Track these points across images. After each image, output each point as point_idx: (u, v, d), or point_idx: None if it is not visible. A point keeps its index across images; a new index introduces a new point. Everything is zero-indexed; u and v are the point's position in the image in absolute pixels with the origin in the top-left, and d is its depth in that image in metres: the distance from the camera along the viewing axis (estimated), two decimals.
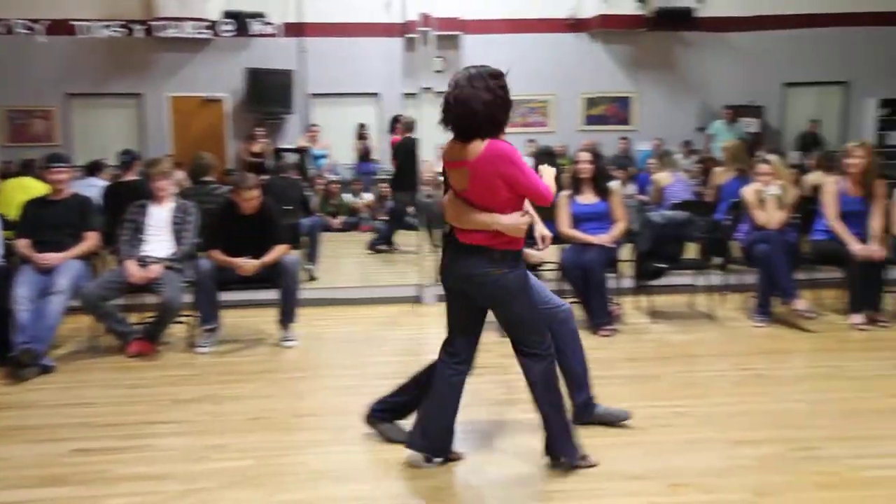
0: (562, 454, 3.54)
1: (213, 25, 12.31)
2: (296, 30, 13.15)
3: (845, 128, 13.98)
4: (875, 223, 5.92)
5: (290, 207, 7.42)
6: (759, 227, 6.09)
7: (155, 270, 5.44)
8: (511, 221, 3.38)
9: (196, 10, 12.52)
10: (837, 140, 13.14)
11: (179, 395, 4.64)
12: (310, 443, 3.91)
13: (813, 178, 8.22)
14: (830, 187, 6.08)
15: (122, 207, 5.89)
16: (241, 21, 12.12)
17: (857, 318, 5.84)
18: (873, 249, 5.79)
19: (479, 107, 3.30)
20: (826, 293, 6.51)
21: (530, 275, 3.67)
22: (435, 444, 3.62)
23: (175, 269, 5.56)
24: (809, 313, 5.76)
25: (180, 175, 9.63)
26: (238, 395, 4.65)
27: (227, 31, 12.02)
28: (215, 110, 13.50)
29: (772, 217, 6.04)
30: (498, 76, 3.46)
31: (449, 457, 3.66)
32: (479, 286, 3.47)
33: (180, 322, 5.74)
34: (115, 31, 11.67)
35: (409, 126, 9.44)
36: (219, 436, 4.01)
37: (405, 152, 8.99)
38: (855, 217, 5.98)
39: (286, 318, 5.70)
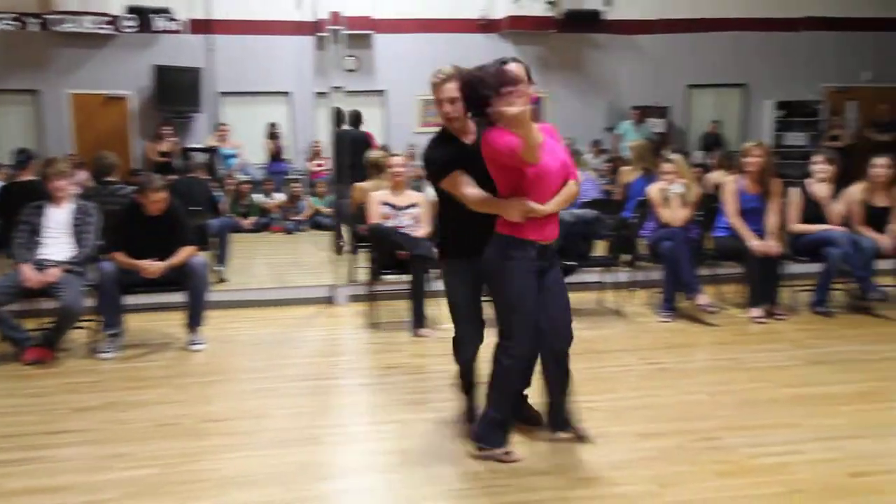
0: (480, 438, 3.63)
1: (114, 21, 11.94)
2: (203, 27, 12.87)
3: (745, 128, 14.49)
4: (771, 220, 6.16)
5: (199, 208, 7.27)
6: (663, 225, 6.26)
7: (53, 274, 5.25)
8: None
9: (96, 5, 12.12)
10: (738, 140, 13.60)
11: (80, 403, 4.49)
12: (219, 448, 3.84)
13: (714, 176, 8.51)
14: (730, 186, 6.29)
15: (18, 209, 5.66)
16: (144, 17, 11.80)
17: (756, 312, 6.06)
18: (770, 245, 6.02)
19: None
20: (727, 288, 6.73)
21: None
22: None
23: (75, 272, 5.38)
24: (712, 308, 5.95)
25: (83, 175, 9.33)
26: (143, 401, 4.52)
27: (129, 26, 11.67)
28: (119, 108, 13.09)
29: (676, 215, 6.22)
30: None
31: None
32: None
33: (81, 327, 5.55)
34: (7, 24, 11.19)
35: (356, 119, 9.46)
36: (122, 444, 3.89)
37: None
38: (753, 214, 6.20)
39: (194, 322, 5.58)
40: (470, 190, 3.52)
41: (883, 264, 6.42)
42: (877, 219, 6.29)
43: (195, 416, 4.28)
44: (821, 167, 6.31)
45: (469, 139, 3.69)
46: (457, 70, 3.65)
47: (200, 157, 11.77)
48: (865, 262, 6.07)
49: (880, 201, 6.32)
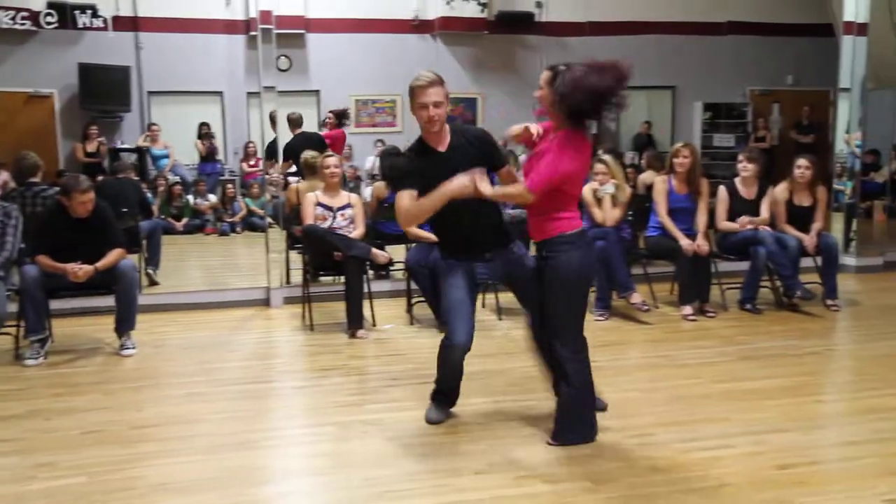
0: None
1: (35, 16, 11.57)
2: (129, 24, 12.57)
3: (675, 129, 14.79)
4: (700, 220, 6.30)
5: (128, 210, 7.10)
6: (596, 225, 6.34)
7: None
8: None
9: (15, 0, 11.72)
10: (669, 141, 13.87)
11: (4, 412, 4.33)
12: (149, 455, 3.75)
13: (645, 177, 8.66)
14: (660, 186, 6.41)
15: None
16: (66, 13, 11.46)
17: (687, 310, 6.19)
18: (700, 244, 6.15)
19: None
20: (659, 286, 6.85)
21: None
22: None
23: None
24: (644, 306, 6.06)
25: (4, 176, 9.02)
26: (70, 408, 4.39)
27: (51, 22, 11.33)
28: (44, 107, 12.68)
29: (608, 215, 6.30)
30: None
31: None
32: None
33: (5, 333, 5.37)
34: None
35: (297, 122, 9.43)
36: (49, 453, 3.77)
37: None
38: (683, 214, 6.33)
39: (124, 326, 5.44)
40: (403, 203, 3.72)
41: (807, 262, 6.60)
42: (800, 218, 6.48)
43: (124, 423, 4.17)
44: (744, 165, 6.47)
45: (443, 146, 3.81)
46: (437, 76, 3.78)
47: (130, 158, 11.55)
48: (790, 260, 6.25)
49: (803, 201, 6.51)
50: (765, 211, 6.42)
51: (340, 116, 10.44)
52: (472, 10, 13.66)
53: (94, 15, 11.71)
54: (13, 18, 11.49)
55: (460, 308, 3.81)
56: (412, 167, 3.84)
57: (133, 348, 5.44)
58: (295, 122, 9.40)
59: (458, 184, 3.53)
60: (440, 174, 3.62)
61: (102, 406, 4.45)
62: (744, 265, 6.49)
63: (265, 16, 7.28)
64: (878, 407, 4.25)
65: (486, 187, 3.56)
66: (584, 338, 3.79)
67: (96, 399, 4.57)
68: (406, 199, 3.69)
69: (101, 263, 5.27)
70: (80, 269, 5.19)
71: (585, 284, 3.81)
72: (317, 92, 13.48)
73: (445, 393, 4.11)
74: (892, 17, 8.98)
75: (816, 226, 6.44)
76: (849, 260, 7.94)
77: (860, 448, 3.74)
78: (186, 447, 3.84)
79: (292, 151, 8.41)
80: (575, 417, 3.77)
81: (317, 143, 8.69)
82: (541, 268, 3.73)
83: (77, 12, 11.57)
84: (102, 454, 3.76)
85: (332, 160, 6.27)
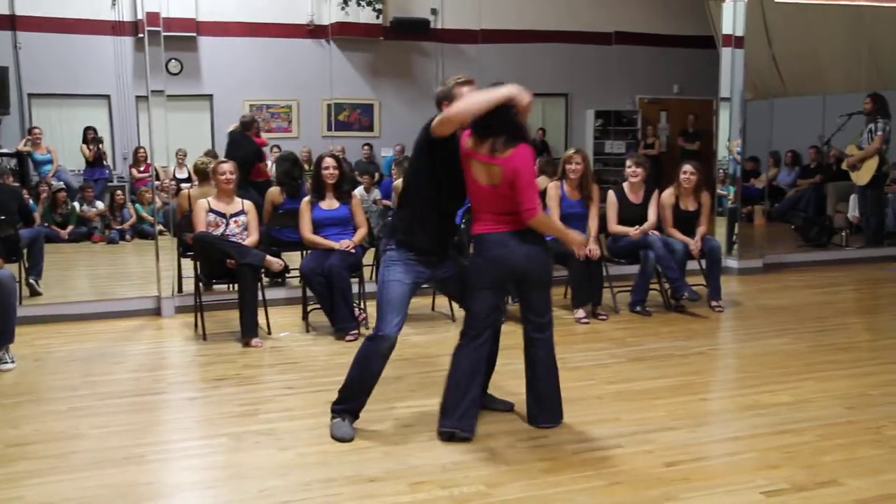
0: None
1: None
2: (6, 23, 12.00)
3: (568, 136, 15.12)
4: (591, 224, 6.45)
5: (6, 217, 6.77)
6: None
7: None
8: None
9: None
10: (563, 147, 14.18)
11: None
12: (26, 474, 3.57)
13: (538, 181, 8.80)
14: (553, 192, 6.53)
15: None
16: None
17: (580, 313, 6.33)
18: (591, 249, 6.30)
19: None
20: (553, 290, 6.94)
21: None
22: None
23: None
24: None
25: None
26: None
27: None
28: None
29: None
30: None
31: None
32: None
33: None
34: None
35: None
36: None
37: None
38: (575, 219, 6.46)
39: (2, 339, 5.16)
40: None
41: (692, 265, 6.85)
42: (686, 222, 6.72)
43: (0, 441, 3.97)
44: (633, 171, 6.67)
45: None
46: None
47: (10, 163, 11.02)
48: (677, 263, 6.47)
49: (689, 205, 6.75)
50: (652, 215, 6.64)
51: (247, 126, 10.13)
52: (367, 16, 13.63)
53: None
54: None
55: (399, 303, 3.88)
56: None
57: (11, 362, 5.18)
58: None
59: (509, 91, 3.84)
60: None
61: None
62: (634, 268, 6.69)
63: (152, 17, 7.06)
64: (757, 403, 4.45)
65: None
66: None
67: None
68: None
69: None
70: None
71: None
72: (210, 96, 13.19)
73: (350, 402, 3.99)
74: (767, 31, 9.43)
75: (701, 230, 6.70)
76: (731, 262, 8.29)
77: (741, 443, 3.90)
78: (68, 464, 3.68)
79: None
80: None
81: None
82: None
83: None
84: None
85: (227, 166, 6.13)
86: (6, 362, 5.17)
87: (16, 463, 3.69)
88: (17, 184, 9.72)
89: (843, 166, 9.61)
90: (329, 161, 6.18)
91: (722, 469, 3.62)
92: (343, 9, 13.45)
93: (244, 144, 9.43)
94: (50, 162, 11.65)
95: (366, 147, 13.55)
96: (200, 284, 6.12)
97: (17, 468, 3.63)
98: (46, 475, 3.56)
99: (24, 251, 7.09)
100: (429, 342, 5.79)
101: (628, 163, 6.78)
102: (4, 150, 11.64)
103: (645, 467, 3.60)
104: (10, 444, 3.94)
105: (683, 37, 14.45)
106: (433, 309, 6.71)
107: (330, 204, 6.18)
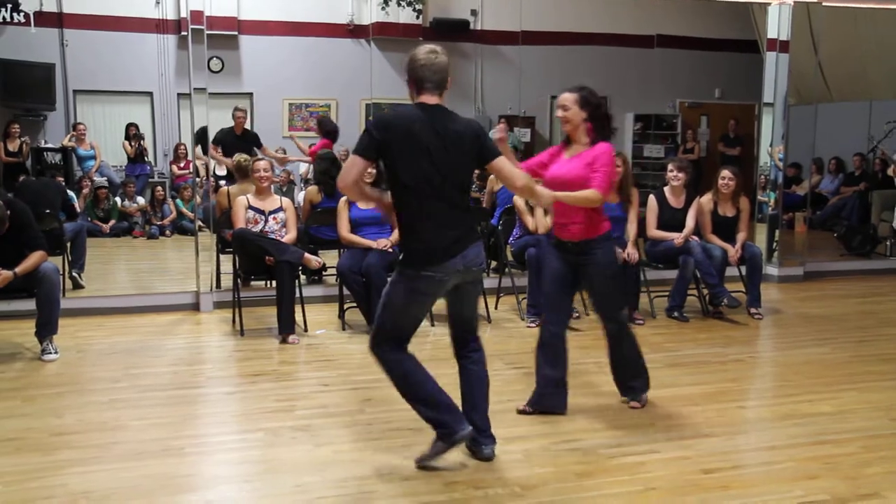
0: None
1: None
2: (53, 20, 12.22)
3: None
4: (630, 229, 6.41)
5: (50, 211, 6.90)
6: (529, 232, 6.41)
7: None
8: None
9: None
10: None
11: None
12: (69, 462, 3.64)
13: None
14: None
15: None
16: None
17: None
18: (629, 253, 6.26)
19: None
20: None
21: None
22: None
23: None
24: (574, 313, 6.13)
25: None
26: None
27: None
28: None
29: (540, 223, 6.37)
30: None
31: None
32: None
33: None
34: None
35: None
36: None
37: None
38: (614, 222, 6.39)
39: (46, 330, 5.28)
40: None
41: (732, 271, 6.78)
42: (724, 228, 6.65)
43: (43, 430, 4.05)
44: (674, 175, 6.61)
45: None
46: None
47: (55, 158, 11.23)
48: (716, 269, 6.40)
49: (727, 211, 6.68)
50: (690, 220, 6.57)
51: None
52: (407, 17, 13.68)
53: (15, 9, 11.34)
54: None
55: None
56: None
57: (55, 353, 5.29)
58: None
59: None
60: None
61: (21, 413, 4.31)
62: (671, 273, 6.64)
63: (196, 16, 7.15)
64: (795, 413, 4.39)
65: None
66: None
67: (15, 406, 4.43)
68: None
69: (20, 267, 5.11)
70: None
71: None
72: (250, 94, 13.31)
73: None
74: (813, 35, 9.29)
75: (741, 236, 6.62)
76: (771, 270, 8.19)
77: (779, 453, 3.85)
78: (110, 454, 3.74)
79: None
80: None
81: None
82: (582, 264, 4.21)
83: None
84: (21, 462, 3.64)
85: (263, 164, 6.20)
86: (50, 353, 5.27)
87: (59, 451, 3.77)
88: (61, 179, 9.87)
89: (889, 173, 9.44)
90: None
91: (760, 478, 3.57)
92: (383, 9, 13.51)
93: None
94: (93, 157, 11.84)
95: None
96: (238, 280, 6.18)
97: (60, 456, 3.70)
98: (88, 464, 3.63)
99: (68, 245, 7.23)
100: None
101: (670, 167, 6.73)
102: (49, 146, 11.86)
103: (681, 474, 3.57)
104: (53, 432, 4.02)
105: (726, 41, 14.28)
106: None
107: (367, 203, 6.20)
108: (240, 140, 9.04)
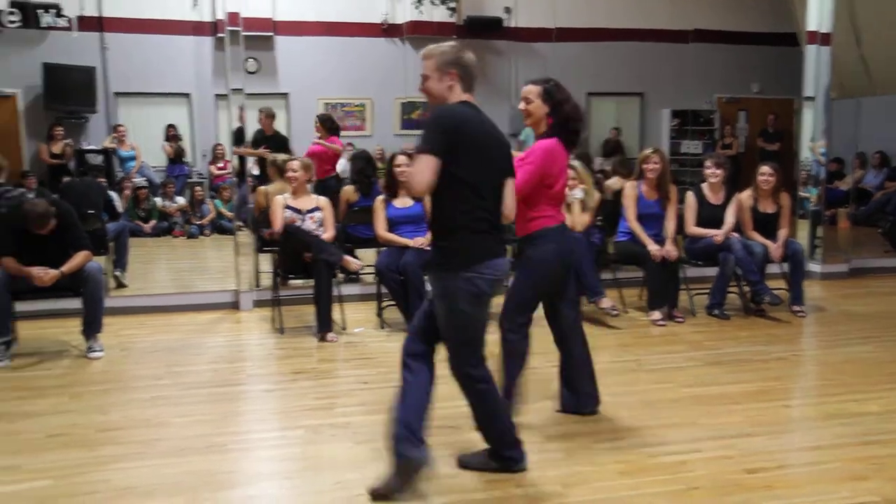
0: None
1: None
2: (94, 24, 12.41)
3: (643, 136, 14.92)
4: (669, 226, 6.35)
5: (93, 212, 7.01)
6: None
7: None
8: None
9: None
10: (637, 147, 14.00)
11: None
12: (114, 458, 3.70)
13: (611, 182, 8.71)
14: (630, 191, 6.46)
15: None
16: (30, 12, 11.29)
17: (656, 315, 6.23)
18: (668, 250, 6.20)
19: None
20: (628, 291, 6.91)
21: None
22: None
23: None
24: (614, 311, 6.09)
25: None
26: (34, 411, 4.33)
27: (13, 21, 11.17)
28: (8, 107, 12.48)
29: (577, 220, 6.33)
30: None
31: None
32: None
33: None
34: None
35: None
36: (11, 456, 3.71)
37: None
38: (652, 219, 6.38)
39: (91, 329, 5.38)
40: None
41: (773, 268, 6.68)
42: (765, 224, 6.56)
43: (90, 426, 4.12)
44: (712, 171, 6.54)
45: None
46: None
47: (96, 159, 11.41)
48: (758, 266, 6.32)
49: (767, 208, 6.59)
50: (730, 217, 6.49)
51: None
52: (441, 15, 13.69)
53: (58, 14, 11.55)
54: None
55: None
56: None
57: (100, 351, 5.37)
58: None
59: None
60: None
61: (68, 409, 4.39)
62: (711, 271, 6.56)
63: (233, 17, 7.22)
64: (841, 412, 4.31)
65: None
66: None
67: (62, 402, 4.50)
68: None
69: (66, 267, 5.20)
70: (45, 274, 5.12)
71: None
72: (286, 95, 13.42)
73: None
74: (855, 27, 9.12)
75: (783, 232, 6.52)
76: (814, 266, 8.06)
77: (825, 453, 3.78)
78: (153, 451, 3.79)
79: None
80: None
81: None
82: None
83: (40, 11, 11.40)
84: (67, 457, 3.71)
85: (294, 164, 6.24)
86: (95, 351, 5.36)
87: (104, 447, 3.83)
88: (102, 179, 10.03)
89: None
90: (402, 159, 6.22)
91: (805, 478, 3.52)
92: (417, 8, 13.54)
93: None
94: (134, 158, 12.03)
95: None
96: (277, 279, 6.23)
97: (105, 452, 3.76)
98: (132, 460, 3.68)
99: (111, 245, 7.33)
100: None
101: (707, 163, 6.65)
102: (91, 147, 12.06)
103: (724, 473, 3.53)
104: (98, 428, 4.09)
105: (764, 34, 14.11)
106: None
107: (403, 202, 6.22)
108: (268, 140, 9.08)
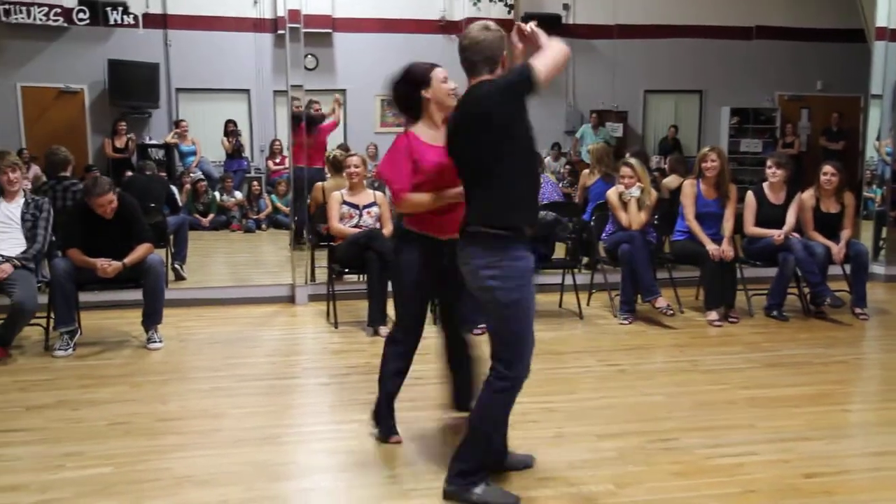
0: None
1: (67, 13, 11.73)
2: (159, 21, 12.68)
3: (702, 134, 14.69)
4: (727, 225, 6.25)
5: (155, 205, 7.17)
6: (622, 228, 6.32)
7: (5, 270, 5.13)
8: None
9: None
10: (695, 146, 13.80)
11: (33, 402, 4.40)
12: (174, 447, 3.78)
13: (668, 181, 8.61)
14: (688, 190, 6.37)
15: None
16: (98, 10, 11.59)
17: (713, 315, 6.14)
18: (724, 249, 6.10)
19: None
20: (684, 291, 6.81)
21: None
22: None
23: (28, 268, 5.26)
24: (669, 310, 6.02)
25: (36, 170, 9.14)
26: (97, 399, 4.45)
27: (82, 19, 11.48)
28: (74, 103, 12.84)
29: (634, 218, 6.28)
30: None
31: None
32: None
33: (35, 325, 5.44)
34: None
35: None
36: (76, 443, 3.82)
37: None
38: (710, 218, 6.29)
39: (151, 320, 5.50)
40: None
41: (835, 269, 6.53)
42: (827, 225, 6.42)
43: (150, 415, 4.21)
44: (773, 171, 6.41)
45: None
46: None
47: (158, 154, 11.67)
48: (819, 267, 6.18)
49: (830, 208, 6.44)
50: (791, 217, 6.36)
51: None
52: (498, 12, 13.65)
53: (125, 12, 11.84)
54: (46, 15, 11.66)
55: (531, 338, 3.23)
56: None
57: (160, 342, 5.49)
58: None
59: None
60: None
61: (129, 398, 4.50)
62: (769, 271, 6.45)
63: (293, 14, 7.31)
64: None
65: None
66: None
67: (123, 391, 4.62)
68: None
69: (129, 259, 5.33)
70: (108, 265, 5.25)
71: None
72: (343, 91, 13.53)
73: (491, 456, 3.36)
74: None
75: (846, 233, 6.37)
76: (878, 268, 7.85)
77: (888, 459, 3.69)
78: (211, 441, 3.87)
79: None
80: None
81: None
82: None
83: (108, 9, 11.70)
84: (128, 445, 3.80)
85: (354, 159, 6.29)
86: (155, 342, 5.48)
87: (164, 437, 3.92)
88: (164, 174, 10.24)
89: None
90: None
91: (867, 484, 3.44)
92: (475, 4, 13.53)
93: None
94: (194, 153, 12.26)
95: None
96: (333, 274, 6.29)
97: (165, 441, 3.85)
98: (191, 450, 3.76)
99: (171, 238, 7.49)
100: (555, 339, 5.76)
101: (768, 162, 6.53)
102: (153, 142, 12.33)
103: (782, 477, 3.46)
104: (158, 418, 4.18)
105: (829, 30, 13.77)
106: (560, 306, 6.67)
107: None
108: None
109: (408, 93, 3.63)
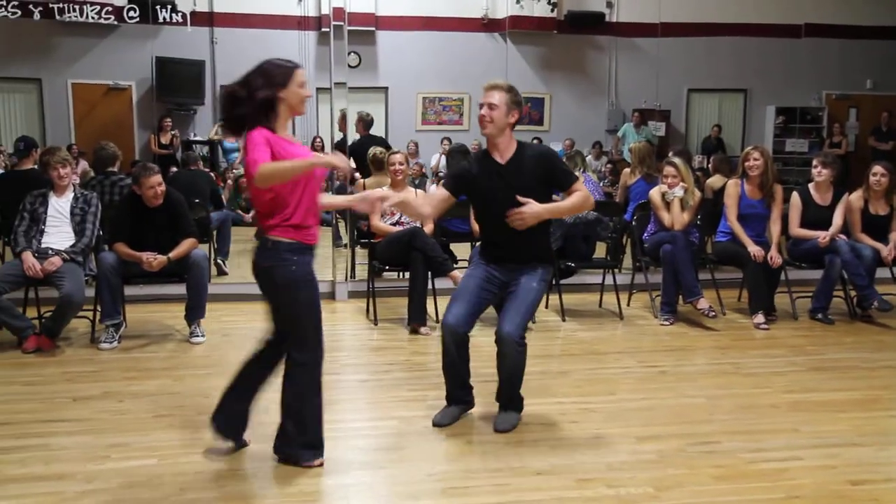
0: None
1: (117, 11, 11.94)
2: (205, 19, 12.86)
3: (746, 134, 14.50)
4: (774, 229, 6.15)
5: (199, 201, 7.26)
6: (664, 228, 6.26)
7: (54, 263, 5.24)
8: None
9: None
10: (739, 146, 13.63)
11: (79, 393, 4.49)
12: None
13: (712, 181, 8.51)
14: (732, 190, 6.28)
15: (18, 197, 5.65)
16: (147, 8, 11.79)
17: (759, 318, 6.04)
18: (772, 255, 6.00)
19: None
20: (727, 292, 6.73)
21: None
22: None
23: (76, 261, 5.37)
24: (711, 312, 5.95)
25: (84, 165, 9.32)
26: (142, 392, 4.52)
27: (132, 17, 11.68)
28: (122, 99, 13.08)
29: (676, 218, 6.21)
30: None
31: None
32: None
33: (82, 317, 5.55)
34: (9, 11, 11.17)
35: (369, 124, 9.25)
36: (120, 434, 3.89)
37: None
38: (754, 220, 6.21)
39: (194, 314, 5.57)
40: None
41: (883, 272, 6.41)
42: (876, 227, 6.29)
43: (192, 409, 4.27)
44: (819, 171, 6.31)
45: (503, 158, 3.87)
46: (505, 83, 3.86)
47: (202, 150, 11.83)
48: (866, 270, 6.06)
49: (879, 209, 6.32)
50: (838, 218, 6.25)
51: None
52: (541, 10, 13.62)
53: (173, 10, 12.01)
54: (98, 13, 11.88)
55: (462, 293, 3.98)
56: (463, 170, 4.08)
57: (202, 336, 5.57)
58: (367, 123, 9.35)
59: (327, 160, 3.50)
60: (494, 185, 3.84)
61: (172, 391, 4.57)
62: (813, 273, 6.34)
63: (338, 12, 7.36)
64: None
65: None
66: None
67: (167, 384, 4.69)
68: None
69: (174, 253, 5.41)
70: (154, 259, 5.33)
71: None
72: (385, 89, 13.59)
73: (449, 391, 4.13)
74: None
75: (895, 235, 6.25)
76: None
77: None
78: (253, 434, 3.89)
79: (356, 153, 8.23)
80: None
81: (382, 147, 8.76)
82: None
83: (157, 7, 11.89)
84: (172, 437, 3.86)
85: (397, 157, 6.31)
86: (198, 336, 5.55)
87: (207, 430, 3.95)
88: (207, 170, 10.38)
89: None
90: None
91: None
92: (518, 2, 13.51)
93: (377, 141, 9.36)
94: (237, 150, 12.38)
95: (535, 141, 13.56)
96: (373, 271, 6.31)
97: (207, 435, 3.88)
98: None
99: (214, 233, 7.58)
100: (595, 339, 5.73)
101: (814, 162, 6.43)
102: (198, 138, 12.50)
103: (827, 483, 3.41)
104: (201, 411, 4.21)
105: (880, 28, 13.53)
106: (600, 306, 6.63)
107: None
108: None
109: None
